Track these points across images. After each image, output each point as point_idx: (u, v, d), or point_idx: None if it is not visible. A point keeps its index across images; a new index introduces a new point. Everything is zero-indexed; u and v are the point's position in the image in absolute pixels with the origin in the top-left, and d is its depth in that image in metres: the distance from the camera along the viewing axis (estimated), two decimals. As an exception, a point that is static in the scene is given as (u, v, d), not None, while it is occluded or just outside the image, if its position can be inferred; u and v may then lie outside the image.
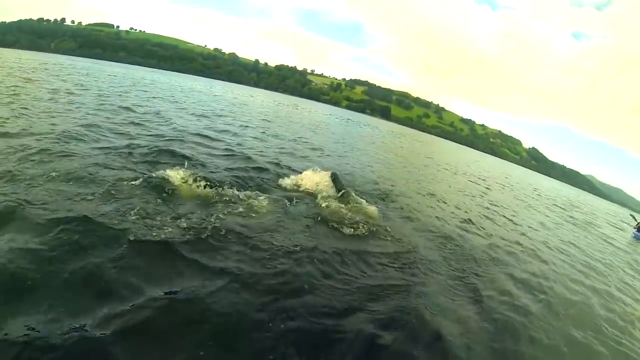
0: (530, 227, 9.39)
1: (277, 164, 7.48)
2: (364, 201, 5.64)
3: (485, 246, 5.81)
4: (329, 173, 6.02)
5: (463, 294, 3.78)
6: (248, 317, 2.45)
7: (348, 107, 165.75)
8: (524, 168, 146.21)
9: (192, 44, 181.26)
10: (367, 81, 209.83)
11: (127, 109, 11.23)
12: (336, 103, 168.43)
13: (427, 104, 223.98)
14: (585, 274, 6.36)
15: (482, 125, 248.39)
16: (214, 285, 2.69)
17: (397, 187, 8.75)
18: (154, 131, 8.49)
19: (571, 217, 16.25)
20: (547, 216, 12.94)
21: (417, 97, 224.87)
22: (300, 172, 6.31)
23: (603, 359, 3.61)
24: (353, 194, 5.76)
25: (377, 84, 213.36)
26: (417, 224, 5.89)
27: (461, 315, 3.35)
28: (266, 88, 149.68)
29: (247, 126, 13.65)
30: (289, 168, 7.37)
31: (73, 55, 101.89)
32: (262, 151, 8.84)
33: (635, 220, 18.50)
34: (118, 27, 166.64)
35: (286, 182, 5.93)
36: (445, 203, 8.65)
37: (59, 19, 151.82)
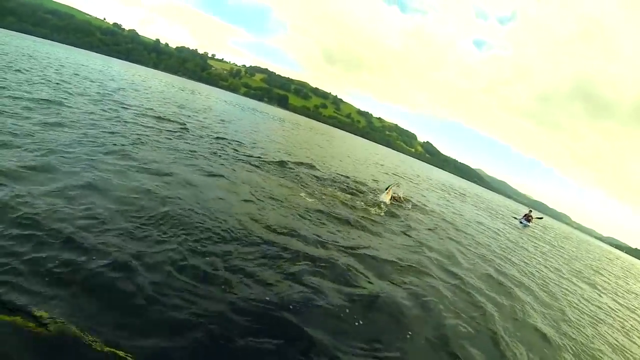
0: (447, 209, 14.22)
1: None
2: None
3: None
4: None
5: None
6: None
7: (246, 95, 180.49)
8: (419, 161, 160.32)
9: (89, 15, 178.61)
10: (267, 69, 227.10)
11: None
12: (234, 90, 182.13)
13: (325, 95, 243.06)
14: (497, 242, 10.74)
15: (379, 118, 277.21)
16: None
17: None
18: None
19: (477, 206, 21.88)
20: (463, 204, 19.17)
21: (316, 88, 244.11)
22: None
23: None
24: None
25: (277, 72, 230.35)
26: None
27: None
28: (166, 70, 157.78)
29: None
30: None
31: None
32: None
33: (516, 218, 22.79)
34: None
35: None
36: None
37: None
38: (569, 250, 20.11)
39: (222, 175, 6.73)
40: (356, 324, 3.23)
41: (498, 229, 14.19)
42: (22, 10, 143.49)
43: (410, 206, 10.46)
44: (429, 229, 8.29)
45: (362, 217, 7.06)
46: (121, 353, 2.17)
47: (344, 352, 2.79)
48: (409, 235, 6.97)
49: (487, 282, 5.88)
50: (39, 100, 9.01)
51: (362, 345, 2.96)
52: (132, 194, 4.51)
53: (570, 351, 4.58)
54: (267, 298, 3.14)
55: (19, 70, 13.83)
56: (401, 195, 10.71)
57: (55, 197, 3.89)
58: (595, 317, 6.86)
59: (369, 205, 8.32)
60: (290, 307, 3.12)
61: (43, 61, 22.34)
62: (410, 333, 3.38)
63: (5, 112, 6.91)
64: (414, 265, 5.27)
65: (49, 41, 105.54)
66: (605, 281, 13.15)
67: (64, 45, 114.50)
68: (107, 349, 2.18)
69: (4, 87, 9.45)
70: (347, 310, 3.35)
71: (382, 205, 8.71)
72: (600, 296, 9.41)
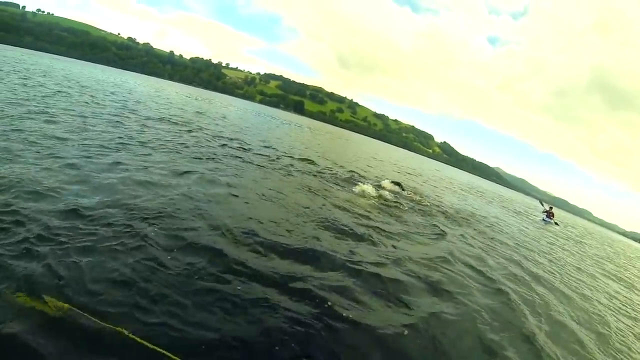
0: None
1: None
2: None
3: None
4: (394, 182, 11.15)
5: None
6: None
7: (262, 102, 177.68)
8: (436, 161, 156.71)
9: (104, 31, 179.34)
10: (281, 75, 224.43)
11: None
12: (250, 97, 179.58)
13: (341, 99, 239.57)
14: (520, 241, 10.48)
15: (396, 120, 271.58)
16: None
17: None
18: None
19: (504, 206, 23.77)
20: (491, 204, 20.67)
21: (331, 92, 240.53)
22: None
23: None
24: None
25: (291, 79, 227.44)
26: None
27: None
28: (181, 81, 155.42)
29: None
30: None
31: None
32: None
33: (543, 205, 24.51)
34: (24, 7, 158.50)
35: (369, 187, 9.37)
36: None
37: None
38: (595, 247, 20.64)
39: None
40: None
41: (522, 227, 14.54)
42: (39, 30, 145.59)
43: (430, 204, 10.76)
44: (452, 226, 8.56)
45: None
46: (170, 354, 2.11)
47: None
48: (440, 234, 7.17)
49: (518, 280, 5.87)
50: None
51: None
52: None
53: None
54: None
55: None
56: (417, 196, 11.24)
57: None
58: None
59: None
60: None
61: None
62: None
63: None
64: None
65: (67, 58, 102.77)
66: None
67: (82, 61, 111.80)
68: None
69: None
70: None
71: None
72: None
